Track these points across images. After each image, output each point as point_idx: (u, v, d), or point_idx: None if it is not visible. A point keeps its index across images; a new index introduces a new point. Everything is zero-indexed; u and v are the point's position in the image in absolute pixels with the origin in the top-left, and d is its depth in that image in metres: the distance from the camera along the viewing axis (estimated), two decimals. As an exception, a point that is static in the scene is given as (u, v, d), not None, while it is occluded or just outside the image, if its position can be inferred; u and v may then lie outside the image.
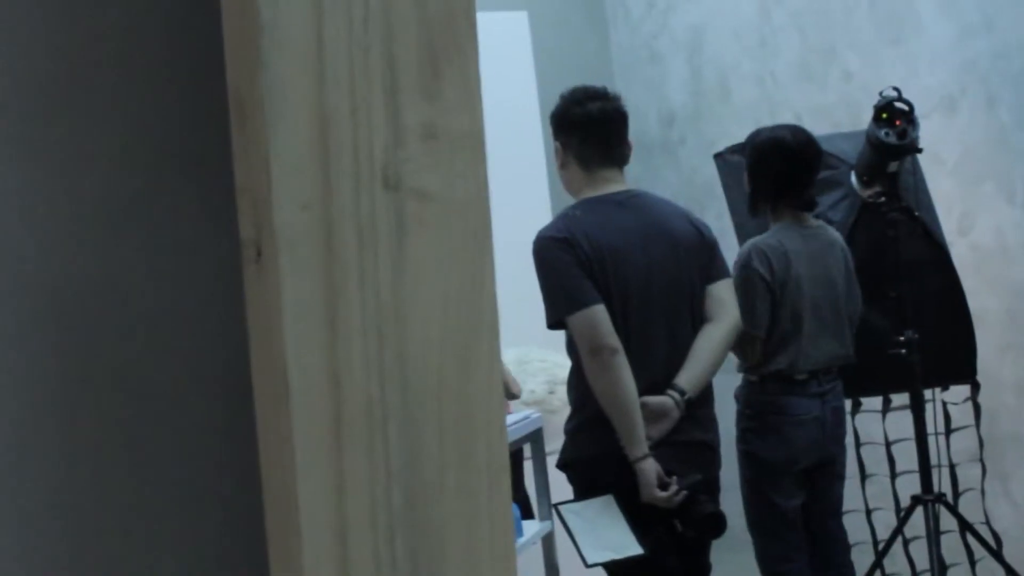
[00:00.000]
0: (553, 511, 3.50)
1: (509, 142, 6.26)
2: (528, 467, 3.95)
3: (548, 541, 3.78)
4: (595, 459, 3.43)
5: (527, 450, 3.88)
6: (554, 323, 3.44)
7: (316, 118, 0.65)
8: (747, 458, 3.98)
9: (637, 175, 7.23)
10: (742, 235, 4.48)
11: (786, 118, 5.67)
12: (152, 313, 0.74)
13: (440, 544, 0.68)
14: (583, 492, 3.44)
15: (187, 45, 0.74)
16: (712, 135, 6.29)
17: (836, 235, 4.10)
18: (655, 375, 3.41)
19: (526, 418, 3.74)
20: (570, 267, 3.37)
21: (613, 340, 3.31)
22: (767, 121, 5.78)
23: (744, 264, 3.90)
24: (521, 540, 3.53)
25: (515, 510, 3.57)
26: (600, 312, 3.33)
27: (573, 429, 3.48)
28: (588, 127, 3.56)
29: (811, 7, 5.69)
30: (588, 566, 3.33)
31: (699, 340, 3.47)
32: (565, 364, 5.31)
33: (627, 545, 3.32)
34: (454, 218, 0.68)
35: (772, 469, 3.91)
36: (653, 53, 6.90)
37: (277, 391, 0.66)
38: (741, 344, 3.82)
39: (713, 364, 3.51)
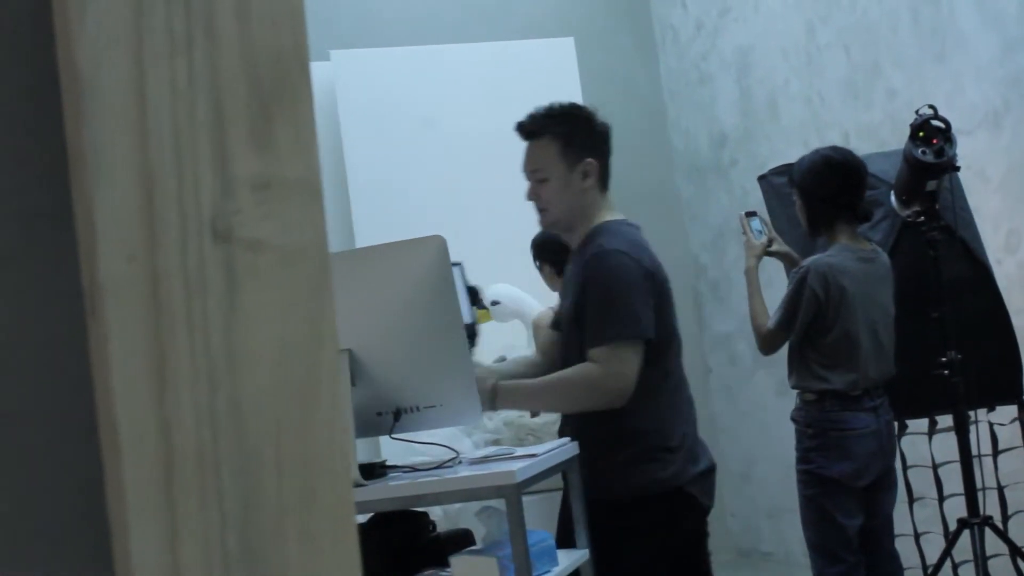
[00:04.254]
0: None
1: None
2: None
3: (586, 570, 3.76)
4: (649, 497, 3.35)
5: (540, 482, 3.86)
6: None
7: (140, 173, 0.66)
8: (810, 477, 3.99)
9: (689, 197, 7.23)
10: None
11: (834, 137, 5.65)
12: (7, 365, 0.75)
13: (282, 588, 0.69)
14: (636, 531, 3.38)
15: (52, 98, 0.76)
16: (763, 156, 6.27)
17: (887, 259, 4.11)
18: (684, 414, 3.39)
19: (562, 445, 3.73)
20: (647, 296, 3.27)
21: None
22: (815, 141, 5.76)
23: (800, 280, 3.97)
24: (556, 569, 3.51)
25: (548, 538, 3.56)
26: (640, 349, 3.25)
27: (626, 462, 3.39)
28: (609, 144, 3.41)
29: (856, 24, 5.66)
30: None
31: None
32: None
33: None
34: (290, 266, 0.69)
35: (836, 486, 3.93)
36: (702, 75, 6.89)
37: (111, 441, 0.67)
38: (764, 336, 4.05)
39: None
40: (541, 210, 3.42)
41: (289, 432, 0.69)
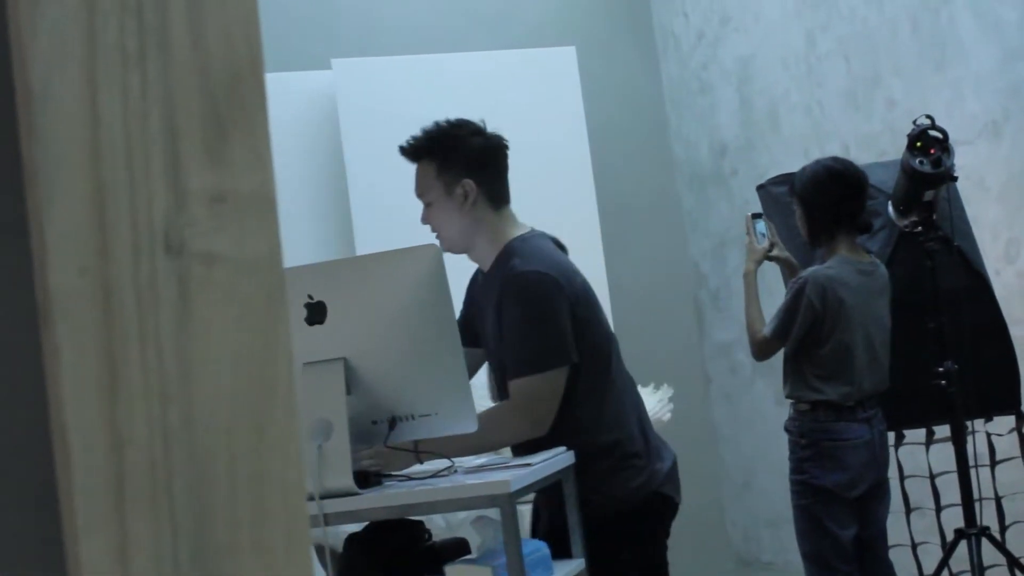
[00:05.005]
0: None
1: (558, 177, 6.29)
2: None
3: (581, 578, 3.76)
4: (629, 508, 3.37)
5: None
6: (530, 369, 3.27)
7: (92, 186, 0.66)
8: (804, 487, 4.00)
9: (691, 207, 7.23)
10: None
11: (834, 147, 5.65)
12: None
13: (234, 600, 0.69)
14: (623, 543, 3.39)
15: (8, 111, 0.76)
16: (763, 166, 6.27)
17: (886, 271, 4.13)
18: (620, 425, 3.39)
19: (557, 454, 3.73)
20: (566, 316, 3.23)
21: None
22: (816, 151, 5.77)
23: (799, 290, 3.99)
24: (551, 578, 3.51)
25: (544, 548, 3.56)
26: (564, 376, 3.23)
27: (600, 476, 3.39)
28: (499, 160, 3.34)
29: (856, 33, 5.66)
30: None
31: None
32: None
33: None
34: (244, 280, 0.69)
35: (830, 496, 3.94)
36: (703, 84, 6.89)
37: (63, 453, 0.67)
38: (759, 343, 4.08)
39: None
40: (435, 234, 3.37)
41: (242, 445, 0.69)
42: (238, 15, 0.69)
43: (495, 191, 3.32)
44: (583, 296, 3.28)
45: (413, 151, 3.33)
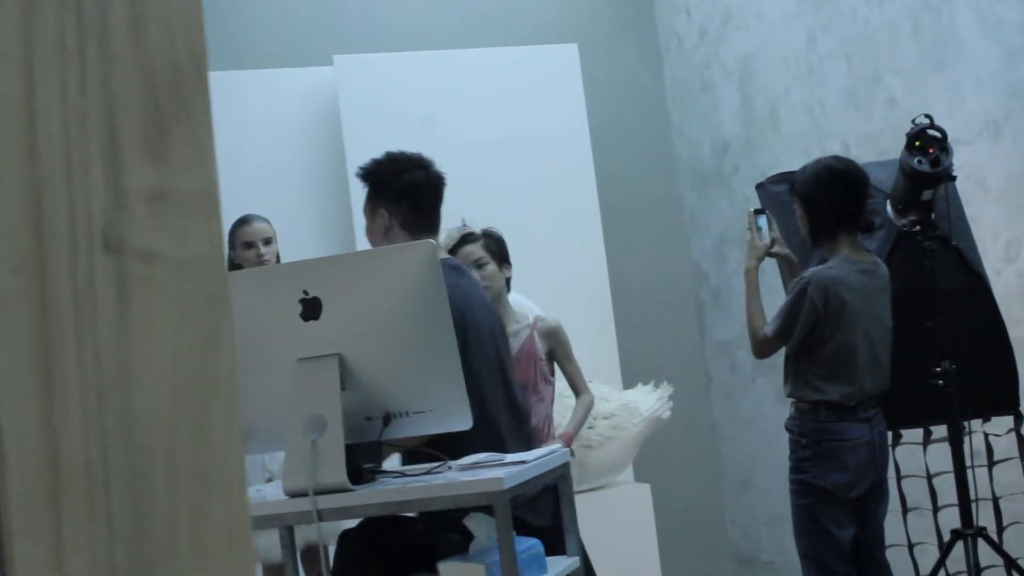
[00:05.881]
0: None
1: (560, 174, 6.28)
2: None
3: (576, 577, 3.75)
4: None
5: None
6: None
7: (27, 182, 0.66)
8: (803, 487, 3.98)
9: (693, 206, 7.22)
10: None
11: (834, 146, 5.64)
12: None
13: (173, 603, 0.68)
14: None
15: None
16: (764, 165, 6.26)
17: (886, 271, 4.10)
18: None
19: (552, 452, 3.72)
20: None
21: None
22: (816, 150, 5.75)
23: (801, 290, 3.98)
24: (544, 577, 3.50)
25: (537, 545, 3.55)
26: None
27: (537, 493, 3.51)
28: (419, 195, 3.57)
29: (856, 33, 5.64)
30: None
31: None
32: (605, 399, 5.28)
33: None
34: (184, 278, 0.69)
35: (829, 496, 3.92)
36: (705, 83, 6.88)
37: (-1, 452, 0.67)
38: (760, 341, 4.07)
39: None
40: None
41: (182, 446, 0.69)
42: (180, 13, 0.68)
43: (412, 222, 3.55)
44: (459, 321, 3.37)
45: (360, 176, 3.65)
